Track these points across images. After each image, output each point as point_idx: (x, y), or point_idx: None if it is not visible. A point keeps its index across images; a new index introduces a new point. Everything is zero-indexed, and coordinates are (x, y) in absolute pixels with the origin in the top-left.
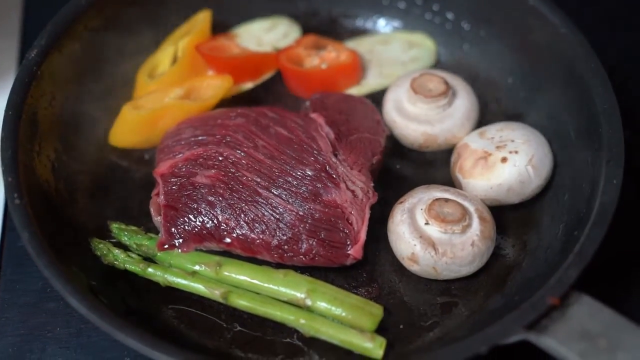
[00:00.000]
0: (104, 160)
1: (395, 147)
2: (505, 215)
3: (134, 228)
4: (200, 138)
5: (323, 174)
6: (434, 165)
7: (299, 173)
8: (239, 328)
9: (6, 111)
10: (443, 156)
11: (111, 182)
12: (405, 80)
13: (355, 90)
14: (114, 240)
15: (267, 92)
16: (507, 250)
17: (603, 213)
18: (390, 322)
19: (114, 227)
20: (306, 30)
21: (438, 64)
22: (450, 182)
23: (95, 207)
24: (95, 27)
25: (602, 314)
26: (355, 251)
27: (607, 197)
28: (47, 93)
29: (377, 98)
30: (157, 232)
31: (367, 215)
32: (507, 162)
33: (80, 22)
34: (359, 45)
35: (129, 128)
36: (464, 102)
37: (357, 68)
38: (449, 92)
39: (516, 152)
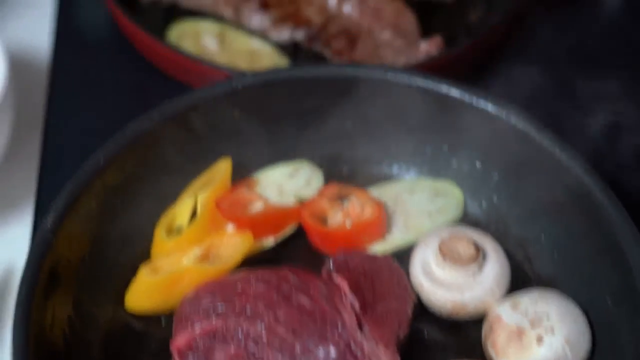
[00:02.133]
0: (118, 324)
1: (423, 309)
2: None
3: None
4: (219, 309)
5: (348, 355)
6: (464, 331)
7: (322, 353)
8: None
9: (20, 285)
10: (473, 320)
11: (124, 350)
12: (433, 240)
13: (380, 247)
14: None
15: (289, 245)
16: None
17: None
18: None
19: None
20: (329, 173)
21: (466, 216)
22: (481, 348)
23: None
24: (113, 184)
25: None
26: None
27: None
28: (63, 259)
29: (401, 254)
30: None
31: None
32: (543, 343)
33: (98, 180)
34: (384, 193)
35: (145, 293)
36: (495, 267)
37: (382, 224)
38: (479, 257)
39: (552, 330)
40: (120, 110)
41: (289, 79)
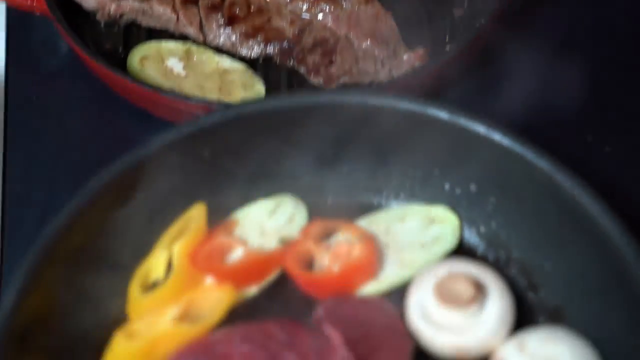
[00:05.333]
0: None
1: (422, 354)
2: None
3: None
4: None
5: None
6: None
7: None
8: None
9: None
10: None
11: None
12: (428, 280)
13: (372, 287)
14: None
15: (274, 291)
16: None
17: None
18: None
19: None
20: (313, 206)
21: (463, 245)
22: None
23: None
24: (79, 245)
25: None
26: None
27: None
28: (29, 334)
29: (395, 292)
30: None
31: None
32: None
33: (62, 245)
34: (373, 224)
35: None
36: (497, 304)
37: (374, 263)
38: (480, 295)
39: None
40: (84, 148)
41: (262, 112)
